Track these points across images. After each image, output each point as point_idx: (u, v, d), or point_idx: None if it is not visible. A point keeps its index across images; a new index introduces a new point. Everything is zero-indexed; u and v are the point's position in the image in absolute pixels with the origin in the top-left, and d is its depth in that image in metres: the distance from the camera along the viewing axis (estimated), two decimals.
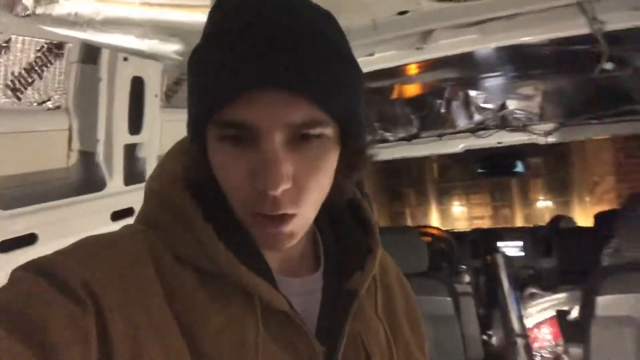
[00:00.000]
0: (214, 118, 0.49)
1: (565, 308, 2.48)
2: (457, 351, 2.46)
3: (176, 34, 1.12)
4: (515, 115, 2.85)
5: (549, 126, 2.85)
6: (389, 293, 0.70)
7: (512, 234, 3.47)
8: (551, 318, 2.51)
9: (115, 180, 1.19)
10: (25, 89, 1.02)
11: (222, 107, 0.48)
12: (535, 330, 2.51)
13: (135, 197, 1.25)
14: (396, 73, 2.43)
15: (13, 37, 0.94)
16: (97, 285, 0.47)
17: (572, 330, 2.38)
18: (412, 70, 2.48)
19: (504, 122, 2.88)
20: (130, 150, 1.25)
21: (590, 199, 5.76)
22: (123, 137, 1.19)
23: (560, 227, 3.65)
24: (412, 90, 2.84)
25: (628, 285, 2.07)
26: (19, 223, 0.98)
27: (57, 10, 0.79)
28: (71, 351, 0.42)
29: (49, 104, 1.07)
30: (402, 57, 1.82)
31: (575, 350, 2.34)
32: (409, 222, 6.47)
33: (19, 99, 1.00)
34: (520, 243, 3.34)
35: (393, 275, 0.74)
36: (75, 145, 1.12)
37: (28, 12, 0.78)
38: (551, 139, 2.86)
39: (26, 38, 0.97)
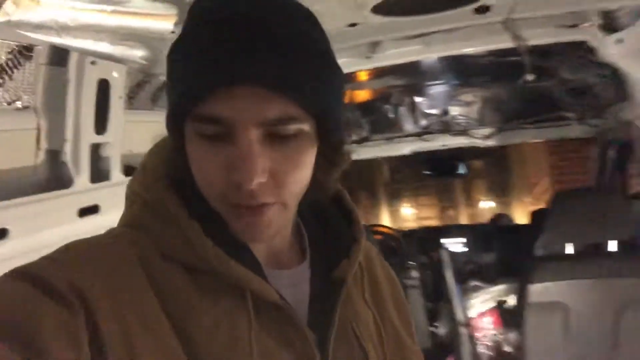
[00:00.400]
0: (191, 113, 0.49)
1: (504, 298, 2.61)
2: None
3: (143, 40, 1.19)
4: (457, 120, 3.00)
5: (487, 130, 2.99)
6: (375, 280, 0.71)
7: (456, 231, 3.57)
8: (492, 308, 2.63)
9: (82, 178, 1.23)
10: None
11: (199, 102, 0.48)
12: (478, 320, 2.62)
13: (100, 195, 1.30)
14: (348, 79, 2.55)
15: None
16: (84, 286, 0.46)
17: (509, 318, 2.50)
18: (363, 77, 2.58)
19: (446, 126, 3.01)
20: (96, 150, 1.30)
21: (528, 199, 6.05)
22: (89, 136, 1.24)
23: (499, 224, 3.85)
24: (362, 95, 2.94)
25: (556, 273, 2.22)
26: None
27: (37, 17, 0.85)
28: (62, 355, 0.42)
29: (18, 104, 1.11)
30: (353, 64, 1.94)
31: (513, 336, 2.45)
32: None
33: None
34: (464, 240, 3.44)
35: (377, 263, 0.74)
36: (44, 144, 1.17)
37: (8, 18, 0.84)
38: (490, 142, 3.01)
39: None
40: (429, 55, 2.01)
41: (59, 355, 0.41)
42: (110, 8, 1.00)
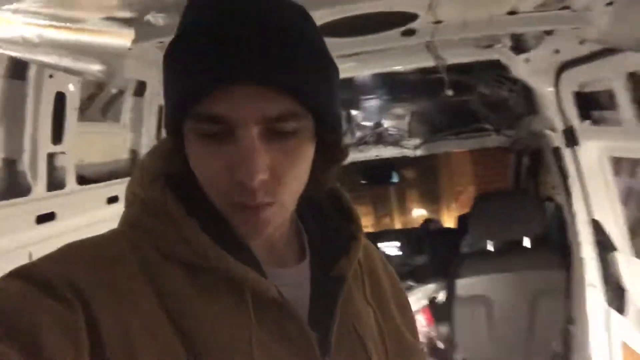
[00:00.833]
0: (191, 112, 0.49)
1: (435, 296, 2.77)
2: None
3: (101, 55, 1.26)
4: (389, 132, 3.19)
5: (416, 141, 3.18)
6: (375, 277, 0.71)
7: (390, 235, 3.79)
8: (425, 307, 2.78)
9: (39, 186, 1.27)
10: None
11: (198, 101, 0.48)
12: None
13: (56, 202, 1.34)
14: None
15: None
16: (82, 285, 0.46)
17: (441, 312, 2.66)
18: None
19: (380, 138, 3.18)
20: (52, 159, 1.35)
21: (455, 206, 6.41)
22: (46, 146, 1.29)
23: (430, 228, 4.11)
24: None
25: (479, 269, 2.42)
26: None
27: (8, 33, 0.92)
28: (61, 354, 0.42)
29: None
30: None
31: (444, 330, 2.64)
32: None
33: None
34: (398, 243, 3.64)
35: (377, 260, 0.74)
36: (1, 153, 1.20)
37: None
38: (419, 152, 3.20)
39: None
40: (362, 72, 2.19)
41: (59, 354, 0.41)
42: (73, 26, 1.08)
